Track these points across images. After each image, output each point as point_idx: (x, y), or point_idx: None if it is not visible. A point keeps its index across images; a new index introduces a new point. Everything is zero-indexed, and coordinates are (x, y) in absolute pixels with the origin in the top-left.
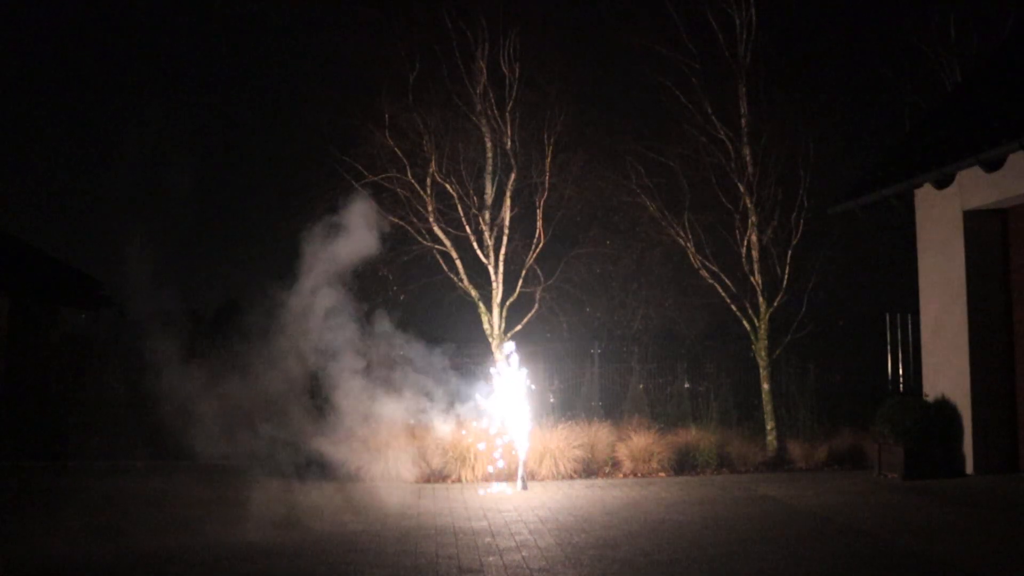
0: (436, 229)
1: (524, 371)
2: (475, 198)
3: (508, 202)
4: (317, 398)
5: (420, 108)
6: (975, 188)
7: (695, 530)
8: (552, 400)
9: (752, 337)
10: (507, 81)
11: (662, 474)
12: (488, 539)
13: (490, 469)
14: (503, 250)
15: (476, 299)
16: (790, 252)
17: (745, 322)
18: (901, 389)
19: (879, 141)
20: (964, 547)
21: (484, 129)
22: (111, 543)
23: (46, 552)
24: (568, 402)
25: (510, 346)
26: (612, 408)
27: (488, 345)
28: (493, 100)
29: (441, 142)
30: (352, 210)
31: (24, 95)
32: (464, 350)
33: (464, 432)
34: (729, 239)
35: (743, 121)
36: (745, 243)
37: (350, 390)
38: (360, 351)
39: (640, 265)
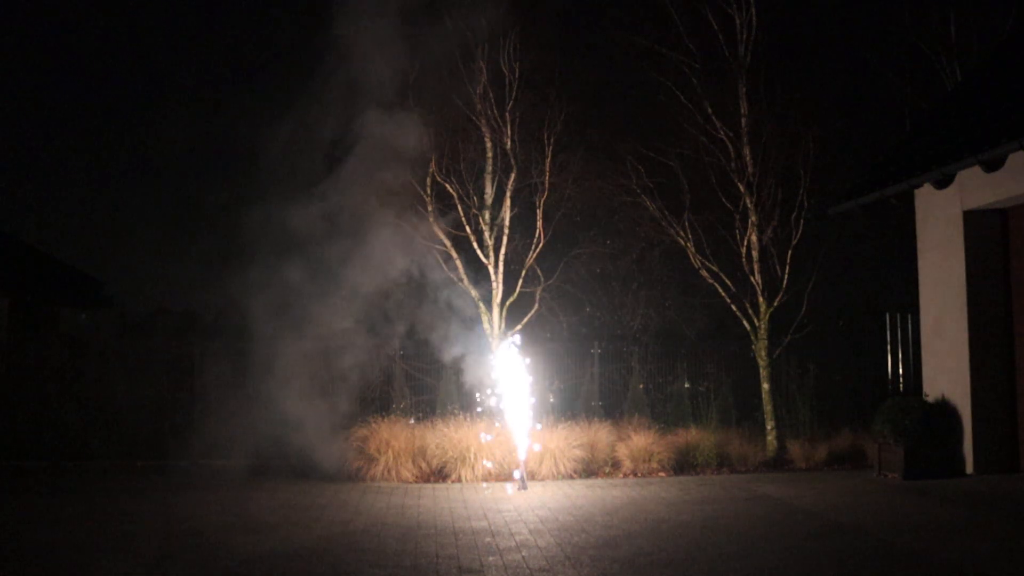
0: (436, 229)
1: (526, 361)
2: (475, 198)
3: (508, 202)
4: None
5: (420, 108)
6: (975, 188)
7: (695, 530)
8: (552, 400)
9: (752, 337)
10: (507, 81)
11: (662, 474)
12: (488, 539)
13: (489, 466)
14: (503, 250)
15: (476, 299)
16: (790, 252)
17: (745, 322)
18: (901, 389)
19: (879, 141)
20: (964, 547)
21: (484, 129)
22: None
23: None
24: (568, 402)
25: (513, 339)
26: (612, 408)
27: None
28: (493, 100)
29: (441, 142)
30: None
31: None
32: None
33: (464, 432)
34: (729, 239)
35: (743, 121)
36: (745, 243)
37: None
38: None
39: (640, 265)
